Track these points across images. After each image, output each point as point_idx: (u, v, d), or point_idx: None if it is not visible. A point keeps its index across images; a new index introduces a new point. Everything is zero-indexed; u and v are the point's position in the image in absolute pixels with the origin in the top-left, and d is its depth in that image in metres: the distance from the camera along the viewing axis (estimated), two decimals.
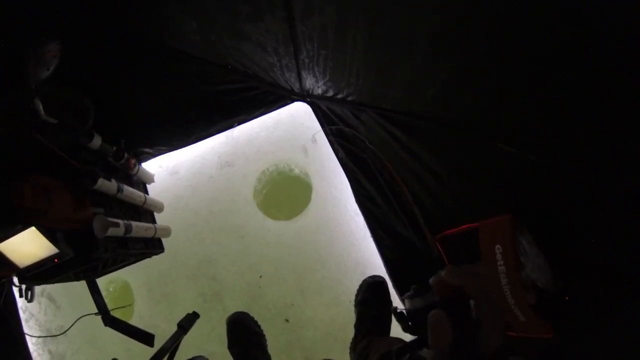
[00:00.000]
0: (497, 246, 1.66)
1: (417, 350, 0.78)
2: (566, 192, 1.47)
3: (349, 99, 2.12)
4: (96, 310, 2.08)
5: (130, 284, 2.41)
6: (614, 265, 1.39)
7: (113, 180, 1.84)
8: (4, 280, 1.96)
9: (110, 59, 1.90)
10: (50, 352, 2.52)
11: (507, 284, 1.65)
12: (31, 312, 2.54)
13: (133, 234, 1.88)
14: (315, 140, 2.19)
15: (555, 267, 1.51)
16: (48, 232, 1.52)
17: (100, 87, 1.92)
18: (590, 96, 1.18)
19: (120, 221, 1.78)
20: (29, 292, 2.38)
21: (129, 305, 2.41)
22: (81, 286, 2.18)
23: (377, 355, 1.74)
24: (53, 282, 1.92)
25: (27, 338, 2.59)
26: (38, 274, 1.72)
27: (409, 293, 0.83)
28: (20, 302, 2.54)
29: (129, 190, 1.97)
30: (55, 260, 1.63)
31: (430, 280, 0.76)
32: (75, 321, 2.11)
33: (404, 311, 0.86)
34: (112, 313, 2.07)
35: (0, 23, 1.52)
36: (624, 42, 0.98)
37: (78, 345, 2.49)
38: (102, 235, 1.67)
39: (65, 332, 2.17)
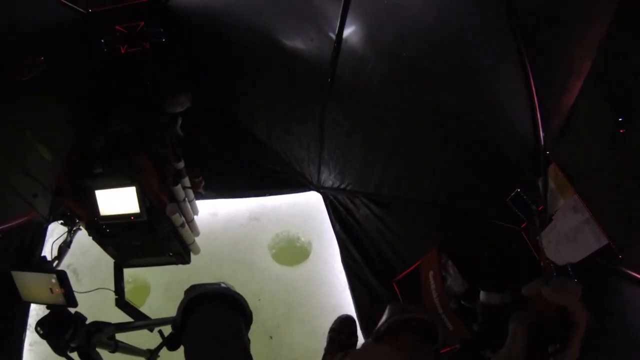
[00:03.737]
0: (430, 272, 2.38)
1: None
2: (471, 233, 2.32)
3: (348, 188, 3.13)
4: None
5: (152, 282, 2.98)
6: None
7: (183, 192, 2.75)
8: (76, 225, 2.62)
9: (205, 122, 3.04)
10: None
11: (437, 297, 2.31)
12: None
13: (183, 230, 2.68)
14: None
15: (466, 277, 2.24)
16: (141, 196, 2.36)
17: (191, 134, 2.99)
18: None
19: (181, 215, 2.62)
20: (57, 260, 2.91)
21: (138, 306, 2.88)
22: (106, 271, 2.75)
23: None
24: (106, 244, 2.54)
25: None
26: (103, 229, 2.43)
27: (485, 287, 0.98)
28: None
29: (187, 204, 2.84)
30: (132, 218, 2.39)
31: (524, 290, 0.75)
32: (95, 289, 2.59)
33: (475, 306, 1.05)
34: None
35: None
36: None
37: None
38: (170, 215, 2.50)
39: (83, 292, 2.55)
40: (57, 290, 1.61)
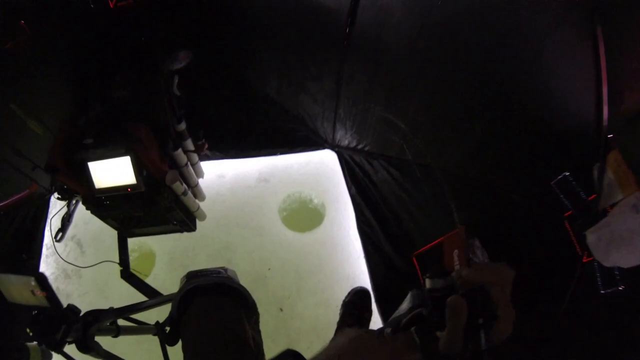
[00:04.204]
0: (455, 251, 2.18)
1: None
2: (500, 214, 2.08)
3: (366, 149, 2.85)
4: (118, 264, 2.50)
5: (157, 251, 2.90)
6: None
7: (184, 156, 2.53)
8: (74, 198, 2.48)
9: (211, 79, 2.75)
10: (58, 288, 2.85)
11: None
12: (54, 250, 2.87)
13: (186, 199, 2.50)
14: None
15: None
16: (137, 166, 2.14)
17: (195, 93, 2.70)
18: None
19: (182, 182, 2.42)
20: (60, 233, 2.84)
21: (145, 275, 2.81)
22: (110, 241, 2.67)
23: None
24: (105, 217, 2.41)
25: (46, 270, 2.92)
26: (101, 201, 2.26)
27: (428, 274, 0.85)
28: (46, 238, 2.97)
29: (190, 169, 2.63)
30: (129, 189, 2.20)
31: (454, 274, 0.79)
32: (100, 262, 2.51)
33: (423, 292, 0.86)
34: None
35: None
36: None
37: (87, 289, 2.83)
38: (170, 184, 2.30)
39: (88, 267, 2.58)
40: (39, 292, 1.46)
